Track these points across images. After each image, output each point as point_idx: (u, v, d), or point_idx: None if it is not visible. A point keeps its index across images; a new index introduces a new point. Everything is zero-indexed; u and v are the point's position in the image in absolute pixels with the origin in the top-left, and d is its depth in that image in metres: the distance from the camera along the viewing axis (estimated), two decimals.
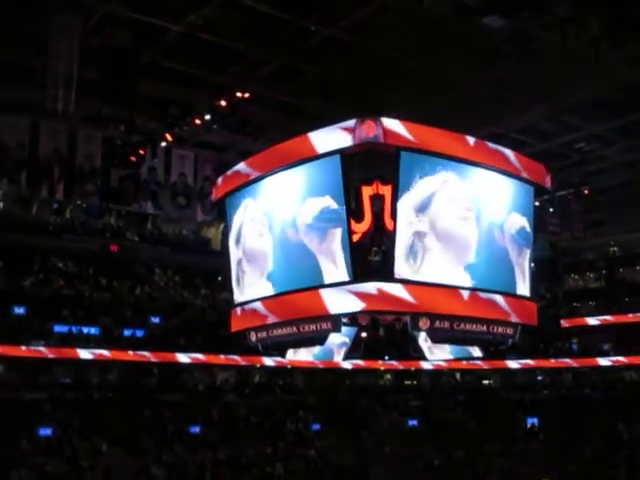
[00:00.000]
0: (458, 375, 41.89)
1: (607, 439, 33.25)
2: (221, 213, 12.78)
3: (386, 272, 9.42)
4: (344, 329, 10.38)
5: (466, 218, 10.19)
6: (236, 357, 32.59)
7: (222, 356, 32.48)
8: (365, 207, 9.59)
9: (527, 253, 11.18)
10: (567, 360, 38.54)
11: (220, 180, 12.01)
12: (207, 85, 24.72)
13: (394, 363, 36.71)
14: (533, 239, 11.35)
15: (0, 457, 24.23)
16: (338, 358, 11.99)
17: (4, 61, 22.04)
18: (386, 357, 35.89)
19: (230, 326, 12.09)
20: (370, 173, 9.73)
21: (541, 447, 33.86)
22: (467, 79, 23.86)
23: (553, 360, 38.63)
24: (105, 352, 30.05)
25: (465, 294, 10.07)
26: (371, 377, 39.70)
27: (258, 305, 11.06)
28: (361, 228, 9.56)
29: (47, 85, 20.86)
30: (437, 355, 12.03)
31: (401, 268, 9.49)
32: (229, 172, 11.66)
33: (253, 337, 11.41)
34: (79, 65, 20.50)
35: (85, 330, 31.01)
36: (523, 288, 11.10)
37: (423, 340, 11.21)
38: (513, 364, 37.86)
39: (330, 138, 9.53)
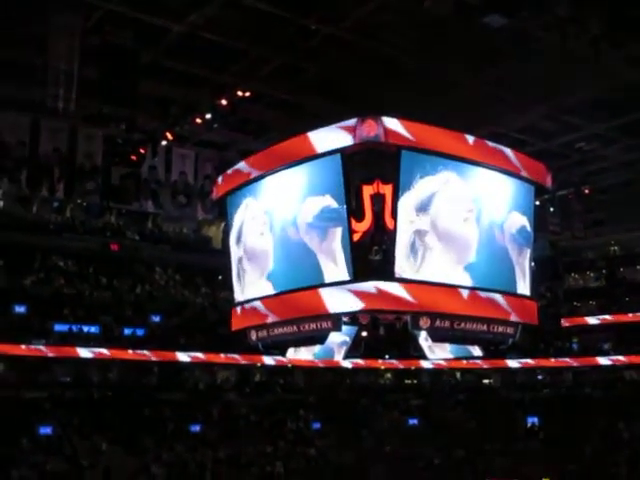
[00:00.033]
0: (458, 374, 41.89)
1: (607, 438, 33.25)
2: (222, 212, 12.79)
3: (386, 271, 9.42)
4: (344, 328, 10.39)
5: (467, 218, 10.19)
6: (236, 356, 32.57)
7: (222, 355, 32.46)
8: (366, 206, 9.57)
9: (527, 252, 11.18)
10: (567, 359, 38.55)
11: (220, 179, 12.01)
12: (208, 84, 24.75)
13: (394, 362, 36.71)
14: (533, 238, 11.35)
15: (0, 456, 24.26)
16: (338, 357, 12.00)
17: (5, 60, 22.08)
18: (386, 356, 35.90)
19: (230, 325, 12.09)
20: (371, 172, 9.72)
21: (541, 446, 33.90)
22: (467, 79, 23.88)
23: (553, 359, 38.62)
24: (105, 351, 30.04)
25: (465, 293, 10.07)
26: (371, 376, 39.69)
27: (258, 304, 11.07)
28: (362, 227, 9.56)
29: (48, 84, 20.88)
30: (437, 354, 12.03)
31: (401, 267, 9.49)
32: (229, 171, 11.66)
33: (253, 336, 11.42)
34: (80, 64, 20.52)
35: (85, 329, 30.98)
36: (523, 287, 11.10)
37: (423, 339, 11.21)
38: (513, 363, 37.85)
39: (330, 137, 9.53)
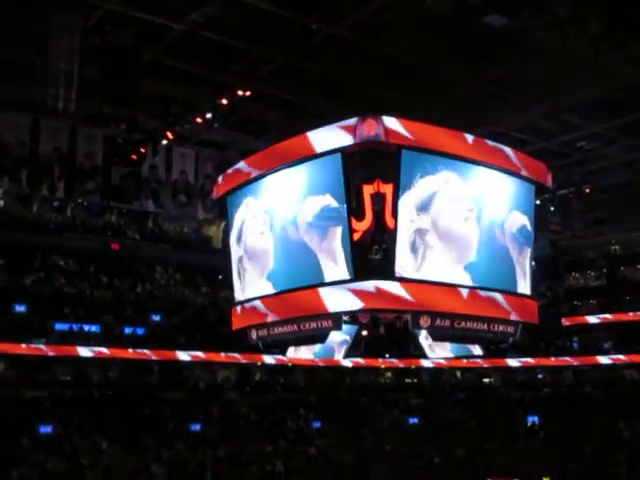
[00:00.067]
0: (459, 373, 41.92)
1: (607, 437, 33.26)
2: (222, 211, 12.78)
3: (387, 270, 9.41)
4: (345, 327, 10.39)
5: (467, 217, 10.18)
6: (237, 355, 32.57)
7: (223, 354, 32.47)
8: (366, 206, 9.57)
9: (528, 252, 11.17)
10: (568, 358, 38.55)
11: (221, 178, 12.00)
12: (208, 83, 24.76)
13: (394, 361, 36.72)
14: (534, 238, 11.34)
15: (0, 455, 24.27)
16: (339, 356, 12.00)
17: (5, 59, 22.09)
18: (387, 355, 35.92)
19: (231, 324, 12.09)
20: (371, 172, 9.72)
21: (542, 445, 33.89)
22: (468, 78, 23.89)
23: (554, 358, 38.61)
24: (105, 350, 30.06)
25: (465, 292, 10.07)
26: (372, 375, 39.71)
27: (258, 303, 11.07)
28: (362, 226, 9.55)
29: (48, 83, 20.88)
30: (438, 353, 12.01)
31: (402, 267, 9.49)
32: (229, 170, 11.66)
33: (254, 335, 11.41)
34: (80, 63, 20.52)
35: (86, 328, 30.98)
36: (524, 286, 11.09)
37: (424, 338, 11.21)
38: (514, 362, 37.86)
39: (329, 137, 9.51)
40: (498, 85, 24.09)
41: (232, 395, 34.30)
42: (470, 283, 10.11)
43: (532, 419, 36.84)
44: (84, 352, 29.55)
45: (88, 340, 30.31)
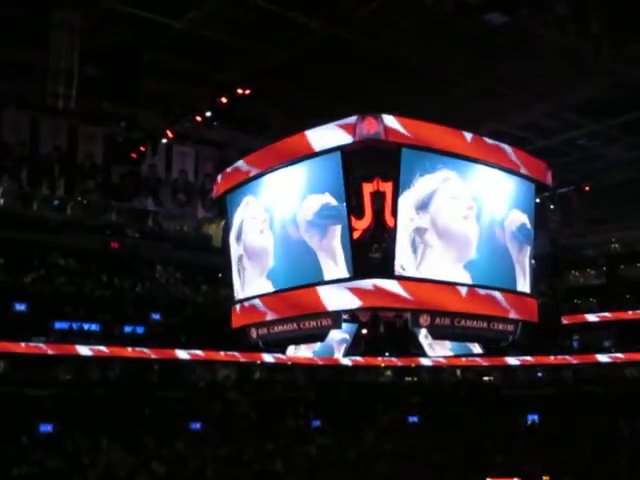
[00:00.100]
0: (458, 372, 41.84)
1: (608, 436, 33.26)
2: (222, 210, 12.78)
3: (386, 269, 9.42)
4: (344, 326, 10.38)
5: (467, 216, 10.18)
6: (236, 354, 32.55)
7: (222, 353, 32.43)
8: (366, 204, 9.58)
9: (528, 250, 11.17)
10: (568, 357, 38.48)
11: (220, 177, 12.01)
12: (208, 82, 24.73)
13: (394, 360, 36.66)
14: (534, 236, 11.34)
15: (1, 453, 24.30)
16: (338, 355, 12.01)
17: (5, 58, 22.07)
18: (386, 354, 35.88)
19: (231, 323, 12.10)
20: (371, 170, 9.73)
21: (541, 444, 33.89)
22: (468, 76, 23.86)
23: (553, 357, 38.56)
24: (105, 349, 30.03)
25: (464, 291, 10.07)
26: (371, 374, 39.62)
27: (257, 302, 11.08)
28: (361, 225, 9.56)
29: (48, 82, 20.87)
30: (437, 352, 12.02)
31: (401, 265, 9.49)
32: (229, 169, 11.67)
33: (254, 334, 11.42)
34: (80, 62, 20.52)
35: (86, 327, 30.98)
36: (523, 285, 11.09)
37: (423, 337, 11.21)
38: (513, 361, 37.80)
39: (328, 136, 9.50)
40: (498, 83, 24.06)
41: (232, 394, 34.29)
42: (470, 281, 10.11)
43: (532, 418, 36.85)
44: (84, 351, 29.51)
45: (88, 339, 30.28)
